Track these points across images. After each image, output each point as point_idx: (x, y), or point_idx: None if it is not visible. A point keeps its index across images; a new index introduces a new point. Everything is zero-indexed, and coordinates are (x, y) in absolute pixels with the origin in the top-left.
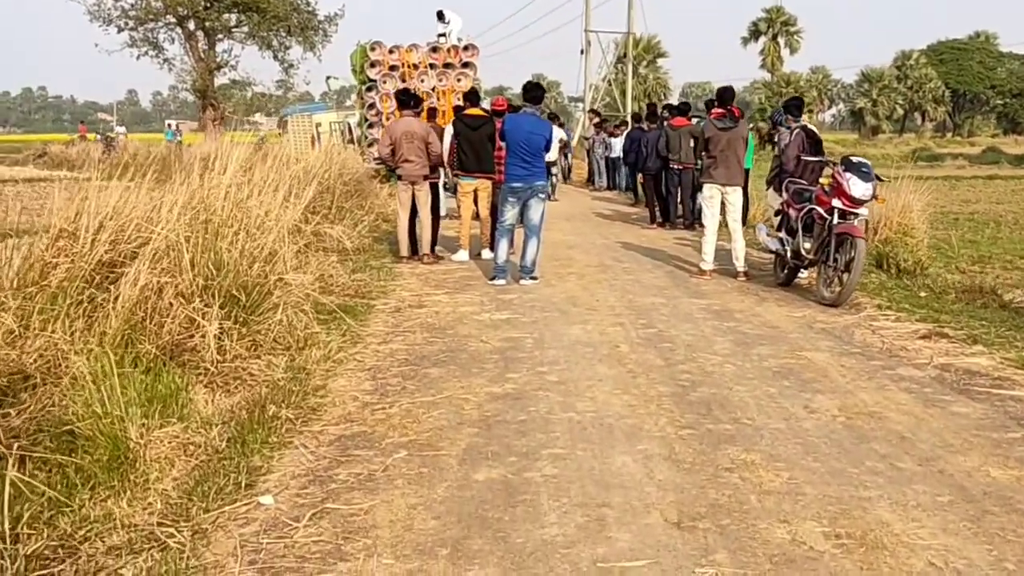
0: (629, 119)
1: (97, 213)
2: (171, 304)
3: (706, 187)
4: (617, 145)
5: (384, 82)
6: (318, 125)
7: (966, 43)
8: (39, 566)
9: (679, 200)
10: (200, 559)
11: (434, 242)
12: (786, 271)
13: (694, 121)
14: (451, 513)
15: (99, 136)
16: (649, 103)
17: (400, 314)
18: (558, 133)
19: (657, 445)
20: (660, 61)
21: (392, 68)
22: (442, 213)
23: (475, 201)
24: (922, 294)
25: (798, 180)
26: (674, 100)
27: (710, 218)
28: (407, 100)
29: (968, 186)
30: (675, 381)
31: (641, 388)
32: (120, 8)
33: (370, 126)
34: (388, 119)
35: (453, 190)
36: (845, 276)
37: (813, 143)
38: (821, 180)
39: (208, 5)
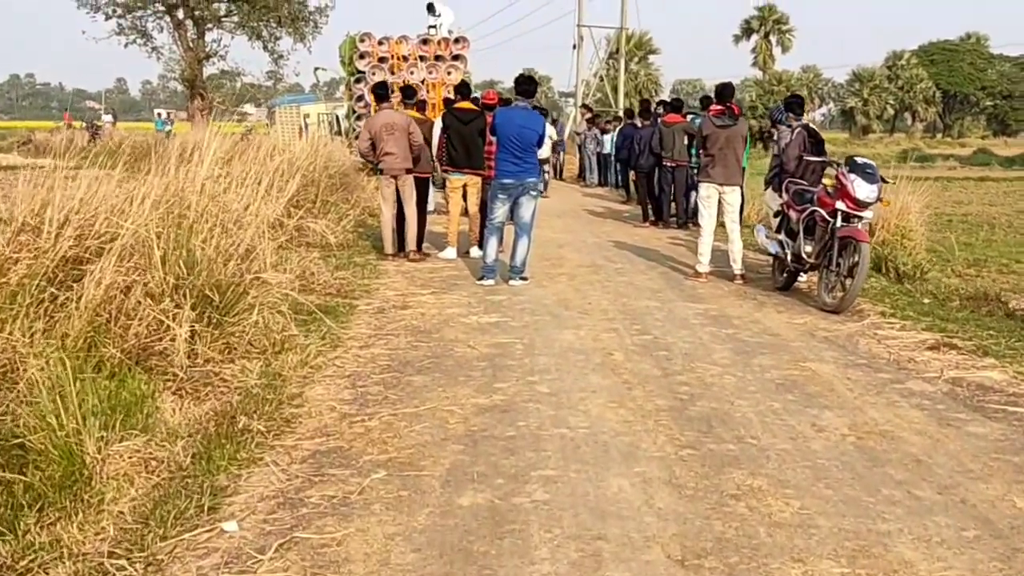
0: (621, 114)
1: (62, 206)
2: (139, 304)
3: (703, 187)
4: (608, 141)
5: (373, 74)
6: (306, 116)
7: (957, 44)
8: None
9: (672, 198)
10: None
11: (421, 239)
12: (785, 275)
13: (688, 118)
14: (432, 545)
15: (85, 123)
16: (643, 100)
17: (384, 315)
18: (550, 131)
19: (656, 467)
20: (651, 58)
21: (381, 60)
22: (430, 208)
23: (464, 197)
24: (925, 300)
25: (798, 180)
26: (665, 97)
27: (707, 219)
28: (384, 93)
29: (960, 187)
30: (673, 394)
31: (637, 401)
32: None
33: (358, 118)
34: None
35: (442, 185)
36: (848, 282)
37: (815, 143)
38: (824, 181)
39: None
